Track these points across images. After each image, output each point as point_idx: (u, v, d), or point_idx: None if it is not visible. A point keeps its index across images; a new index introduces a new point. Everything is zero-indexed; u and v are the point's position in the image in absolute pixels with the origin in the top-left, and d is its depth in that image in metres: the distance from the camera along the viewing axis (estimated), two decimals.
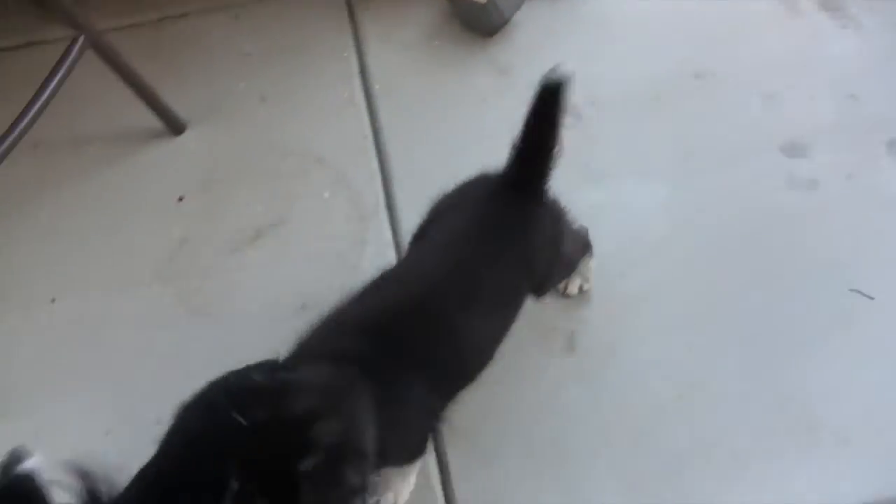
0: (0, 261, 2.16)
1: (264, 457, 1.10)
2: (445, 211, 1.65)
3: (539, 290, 1.72)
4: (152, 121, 2.27)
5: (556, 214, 1.68)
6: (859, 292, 1.93)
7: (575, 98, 2.27)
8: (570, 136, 2.18)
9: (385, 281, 1.54)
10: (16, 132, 1.93)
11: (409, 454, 1.59)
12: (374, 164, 2.17)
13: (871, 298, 1.92)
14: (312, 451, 1.12)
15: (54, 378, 1.96)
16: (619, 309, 1.92)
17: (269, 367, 1.26)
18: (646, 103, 2.29)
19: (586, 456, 1.73)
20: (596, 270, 1.95)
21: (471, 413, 1.61)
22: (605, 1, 2.54)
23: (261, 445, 1.10)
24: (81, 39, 2.02)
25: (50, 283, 2.10)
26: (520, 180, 1.58)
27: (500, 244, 1.56)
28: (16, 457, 1.19)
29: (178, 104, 2.29)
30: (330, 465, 1.14)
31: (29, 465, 1.17)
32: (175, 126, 2.28)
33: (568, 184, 2.09)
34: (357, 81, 2.34)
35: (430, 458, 1.75)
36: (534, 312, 1.90)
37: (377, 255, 2.00)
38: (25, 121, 1.94)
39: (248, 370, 1.22)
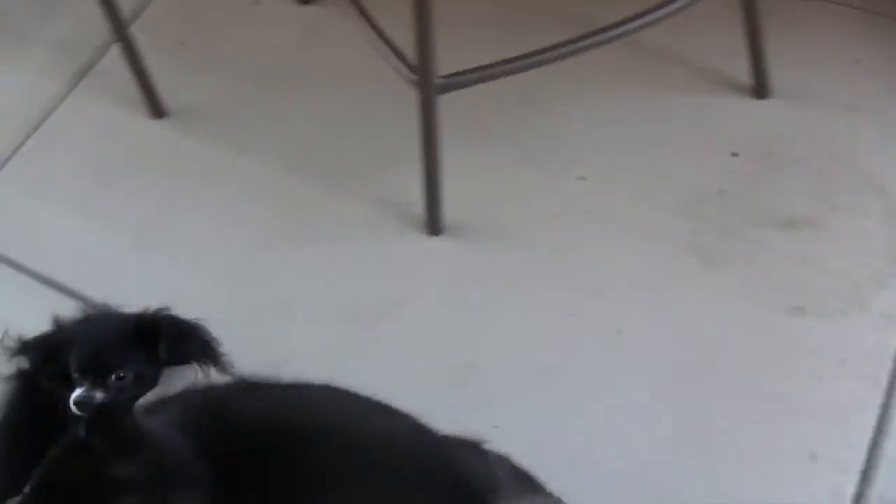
0: (550, 128, 2.37)
1: None
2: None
3: None
4: (743, 76, 2.33)
5: None
6: None
7: None
8: None
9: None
10: (625, 28, 2.05)
11: None
12: None
13: None
14: None
15: (550, 241, 2.14)
16: None
17: None
18: None
19: None
20: None
21: None
22: None
23: None
24: None
25: (584, 164, 2.29)
26: None
27: None
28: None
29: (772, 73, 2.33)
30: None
31: None
32: (760, 90, 2.33)
33: None
34: None
35: None
36: None
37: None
38: (639, 22, 2.06)
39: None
